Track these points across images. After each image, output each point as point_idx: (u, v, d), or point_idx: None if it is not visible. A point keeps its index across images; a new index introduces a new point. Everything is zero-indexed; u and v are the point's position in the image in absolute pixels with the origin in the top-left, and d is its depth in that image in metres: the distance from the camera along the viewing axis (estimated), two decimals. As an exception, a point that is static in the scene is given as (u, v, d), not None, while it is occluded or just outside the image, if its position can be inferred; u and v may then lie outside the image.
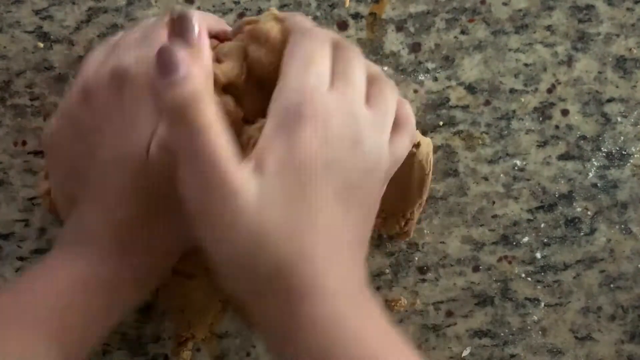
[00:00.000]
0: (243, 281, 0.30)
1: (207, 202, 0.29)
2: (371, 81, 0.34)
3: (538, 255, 0.43)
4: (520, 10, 0.44)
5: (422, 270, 0.43)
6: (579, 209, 0.43)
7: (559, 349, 0.43)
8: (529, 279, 0.43)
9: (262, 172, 0.29)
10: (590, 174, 0.43)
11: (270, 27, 0.34)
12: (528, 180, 0.43)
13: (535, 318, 0.43)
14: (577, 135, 0.44)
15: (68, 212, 0.36)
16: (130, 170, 0.32)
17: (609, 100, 0.44)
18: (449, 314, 0.43)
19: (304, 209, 0.30)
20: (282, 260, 0.29)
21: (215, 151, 0.29)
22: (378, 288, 0.43)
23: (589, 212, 0.43)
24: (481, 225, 0.43)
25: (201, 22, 0.31)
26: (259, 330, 0.34)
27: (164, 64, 0.28)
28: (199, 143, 0.28)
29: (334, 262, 0.30)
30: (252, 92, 0.34)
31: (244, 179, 0.29)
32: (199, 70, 0.29)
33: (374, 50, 0.43)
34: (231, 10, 0.43)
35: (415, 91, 0.43)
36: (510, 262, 0.43)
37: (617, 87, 0.44)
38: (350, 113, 0.31)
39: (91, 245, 0.33)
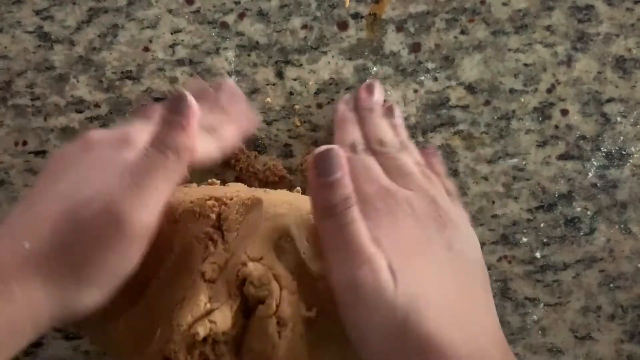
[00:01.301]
0: (390, 352, 0.33)
1: (357, 281, 0.33)
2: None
3: (538, 254, 0.43)
4: (520, 10, 0.44)
5: (422, 269, 0.43)
6: (578, 209, 0.43)
7: (559, 349, 0.43)
8: (529, 278, 0.43)
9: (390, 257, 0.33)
10: (590, 174, 0.44)
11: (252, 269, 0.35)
12: (528, 180, 0.43)
13: (535, 317, 0.43)
14: (577, 135, 0.44)
15: None
16: (67, 221, 0.32)
17: (609, 100, 0.44)
18: (449, 313, 0.43)
19: (433, 284, 0.33)
20: (431, 332, 0.32)
21: (361, 237, 0.33)
22: (378, 288, 0.43)
23: (588, 212, 0.43)
24: (481, 225, 0.43)
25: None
26: None
27: (328, 164, 0.34)
28: (349, 232, 0.33)
29: (472, 328, 0.33)
30: None
31: (382, 261, 0.33)
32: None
33: (374, 50, 0.43)
34: (231, 10, 0.43)
35: (415, 91, 0.43)
36: (510, 262, 0.43)
37: (616, 87, 0.44)
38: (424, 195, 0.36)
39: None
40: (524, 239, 0.43)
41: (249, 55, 0.43)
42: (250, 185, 0.42)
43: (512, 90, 0.44)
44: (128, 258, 0.32)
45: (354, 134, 0.40)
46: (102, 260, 0.32)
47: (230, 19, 0.43)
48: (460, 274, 0.34)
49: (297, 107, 0.43)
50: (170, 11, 0.43)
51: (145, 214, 0.32)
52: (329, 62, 0.43)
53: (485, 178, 0.43)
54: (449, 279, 0.34)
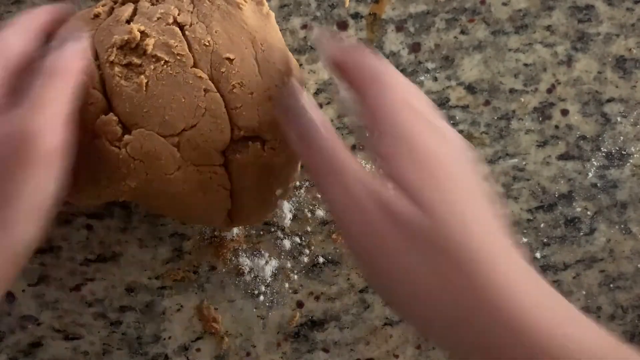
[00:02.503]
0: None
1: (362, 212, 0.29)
2: None
3: (538, 255, 0.43)
4: (520, 10, 0.44)
5: (422, 270, 0.43)
6: (578, 209, 0.43)
7: (559, 349, 0.43)
8: (529, 278, 0.43)
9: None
10: (590, 174, 0.44)
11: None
12: (528, 180, 0.43)
13: (535, 318, 0.43)
14: (577, 135, 0.44)
15: None
16: None
17: (609, 100, 0.44)
18: (449, 313, 0.43)
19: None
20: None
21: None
22: (378, 288, 0.43)
23: (588, 212, 0.43)
24: (481, 225, 0.43)
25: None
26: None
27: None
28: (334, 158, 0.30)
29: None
30: None
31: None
32: None
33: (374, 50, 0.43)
34: (231, 10, 0.43)
35: (415, 91, 0.43)
36: (510, 262, 0.43)
37: (616, 87, 0.44)
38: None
39: None
40: (524, 239, 0.43)
41: (248, 55, 0.43)
42: None
43: (512, 90, 0.44)
44: (42, 185, 0.29)
45: None
46: (15, 198, 0.28)
47: (230, 18, 0.43)
48: None
49: (296, 107, 0.43)
50: (169, 11, 0.43)
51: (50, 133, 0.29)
52: (328, 62, 0.43)
53: (485, 178, 0.43)
54: None
